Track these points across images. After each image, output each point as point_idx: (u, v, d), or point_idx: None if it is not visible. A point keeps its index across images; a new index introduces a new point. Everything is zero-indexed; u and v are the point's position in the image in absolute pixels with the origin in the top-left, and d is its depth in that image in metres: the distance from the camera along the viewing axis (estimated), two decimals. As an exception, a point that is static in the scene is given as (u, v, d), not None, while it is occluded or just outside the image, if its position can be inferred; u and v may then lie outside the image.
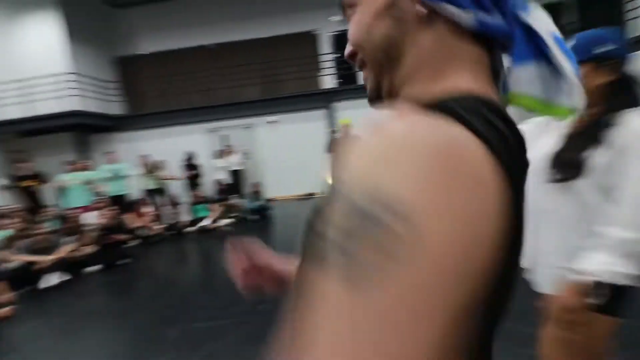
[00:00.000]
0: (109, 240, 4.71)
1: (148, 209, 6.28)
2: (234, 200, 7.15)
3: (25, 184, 6.45)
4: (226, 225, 6.23)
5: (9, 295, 3.45)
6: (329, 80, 9.37)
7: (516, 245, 0.28)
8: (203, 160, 8.09)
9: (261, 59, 9.45)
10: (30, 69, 8.26)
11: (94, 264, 4.45)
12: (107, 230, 4.84)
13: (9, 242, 4.63)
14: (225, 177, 7.70)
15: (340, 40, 9.28)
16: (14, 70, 8.33)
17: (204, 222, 6.12)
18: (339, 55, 8.93)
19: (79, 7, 8.81)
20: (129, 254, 4.82)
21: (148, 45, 9.94)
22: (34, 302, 3.67)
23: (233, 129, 9.08)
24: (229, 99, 9.05)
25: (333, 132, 7.78)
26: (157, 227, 5.88)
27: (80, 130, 8.86)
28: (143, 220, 5.87)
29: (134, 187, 7.11)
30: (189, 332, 2.50)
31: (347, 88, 8.67)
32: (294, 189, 8.73)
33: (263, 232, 5.71)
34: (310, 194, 8.31)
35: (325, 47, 9.58)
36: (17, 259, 4.09)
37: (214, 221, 6.17)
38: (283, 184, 8.68)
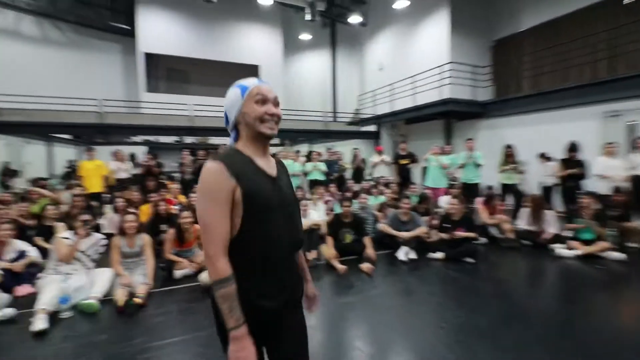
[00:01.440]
0: (454, 233, 4.30)
1: (501, 206, 5.31)
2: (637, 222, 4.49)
3: (401, 162, 7.63)
4: (615, 256, 3.98)
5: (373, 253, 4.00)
6: None
7: (251, 192, 1.02)
8: (589, 155, 5.76)
9: None
10: (419, 65, 9.65)
11: (439, 251, 4.23)
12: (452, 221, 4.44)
13: (382, 208, 5.54)
14: (625, 183, 5.04)
15: None
16: (407, 69, 10.13)
17: (579, 249, 4.20)
18: None
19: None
20: (475, 253, 4.18)
21: (529, 19, 8.51)
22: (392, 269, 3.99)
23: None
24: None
25: None
26: (509, 229, 4.80)
27: (450, 117, 9.36)
28: (497, 218, 5.00)
29: (490, 178, 6.38)
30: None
31: None
32: None
33: None
34: None
35: None
36: (387, 232, 4.63)
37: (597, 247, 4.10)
38: None
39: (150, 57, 12.83)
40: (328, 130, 11.13)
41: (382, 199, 6.19)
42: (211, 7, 12.00)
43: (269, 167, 1.10)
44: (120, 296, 2.99)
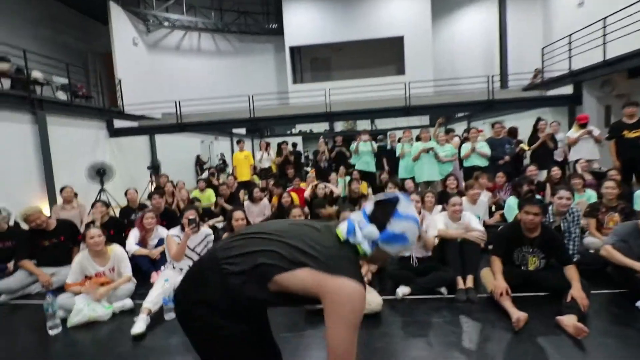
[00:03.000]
0: None
1: None
2: None
3: (628, 134, 4.78)
4: None
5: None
6: None
7: None
8: None
9: None
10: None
11: None
12: None
13: (593, 212, 3.37)
14: None
15: None
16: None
17: None
18: None
19: None
20: None
21: None
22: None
23: None
24: None
25: None
26: None
27: None
28: None
29: None
30: None
31: None
32: None
33: None
34: None
35: None
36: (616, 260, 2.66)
37: None
38: None
39: (295, 50, 13.47)
40: (493, 100, 8.50)
41: (591, 195, 3.89)
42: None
43: None
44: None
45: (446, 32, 14.06)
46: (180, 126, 9.07)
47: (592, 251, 3.02)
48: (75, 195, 5.30)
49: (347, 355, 0.90)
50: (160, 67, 12.95)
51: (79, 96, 8.30)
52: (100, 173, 6.98)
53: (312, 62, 14.45)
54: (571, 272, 2.41)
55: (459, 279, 2.64)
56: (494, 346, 2.05)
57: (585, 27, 7.53)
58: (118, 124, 9.15)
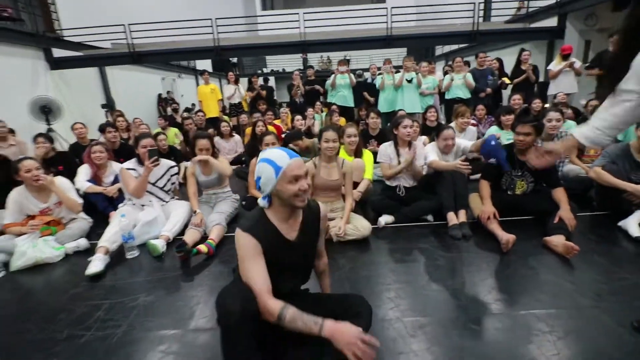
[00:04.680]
0: None
1: None
2: None
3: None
4: None
5: None
6: None
7: (270, 253, 1.17)
8: None
9: None
10: None
11: None
12: None
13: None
14: None
15: None
16: None
17: None
18: None
19: None
20: None
21: None
22: None
23: None
24: None
25: None
26: None
27: None
28: None
29: None
30: None
31: None
32: None
33: None
34: None
35: None
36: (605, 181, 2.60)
37: None
38: None
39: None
40: (477, 31, 8.01)
41: (571, 125, 3.81)
42: None
43: (292, 229, 1.24)
44: (190, 238, 2.34)
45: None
46: (133, 56, 7.94)
47: (572, 176, 2.98)
48: (12, 131, 4.59)
49: (248, 278, 1.14)
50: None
51: (5, 18, 6.89)
52: (45, 111, 6.12)
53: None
54: (560, 194, 2.34)
55: (452, 214, 2.49)
56: (484, 267, 1.98)
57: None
58: (58, 53, 7.87)
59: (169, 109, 10.17)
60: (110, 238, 2.28)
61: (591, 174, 2.50)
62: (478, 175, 2.64)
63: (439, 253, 2.18)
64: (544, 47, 8.35)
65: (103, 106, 9.37)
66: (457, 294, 1.74)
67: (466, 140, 2.94)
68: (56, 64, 7.74)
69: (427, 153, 2.73)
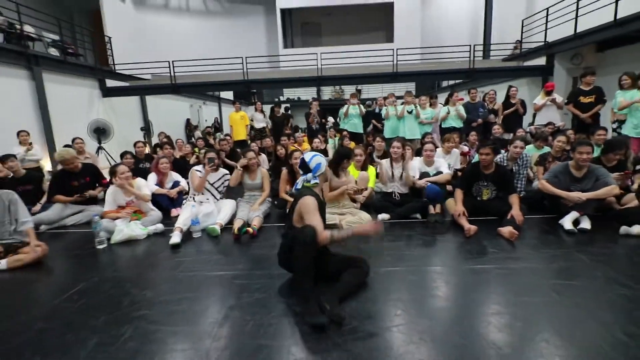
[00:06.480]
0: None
1: None
2: None
3: (583, 99, 5.52)
4: None
5: None
6: None
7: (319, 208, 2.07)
8: None
9: None
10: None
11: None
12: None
13: (543, 161, 4.13)
14: None
15: None
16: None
17: None
18: None
19: None
20: None
21: None
22: None
23: None
24: None
25: None
26: None
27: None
28: None
29: None
30: None
31: None
32: None
33: None
34: None
35: None
36: (548, 190, 3.39)
37: None
38: None
39: (286, 13, 13.33)
40: (474, 69, 9.05)
41: (545, 150, 4.63)
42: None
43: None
44: (236, 225, 3.21)
45: (435, 1, 14.19)
46: (173, 87, 9.23)
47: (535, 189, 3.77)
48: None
49: (309, 220, 1.94)
50: (147, 25, 12.69)
51: (70, 54, 8.27)
52: (100, 131, 7.28)
53: (302, 26, 14.36)
54: (513, 199, 3.15)
55: (431, 207, 3.36)
56: (452, 246, 2.77)
57: (561, 1, 8.04)
58: (110, 83, 9.22)
59: (197, 132, 11.36)
60: (184, 221, 3.17)
61: (539, 184, 3.30)
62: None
63: (423, 238, 2.99)
64: (540, 82, 9.24)
65: (142, 129, 10.65)
66: (430, 258, 2.54)
67: (445, 163, 3.85)
68: (108, 92, 9.06)
69: (414, 166, 3.62)
